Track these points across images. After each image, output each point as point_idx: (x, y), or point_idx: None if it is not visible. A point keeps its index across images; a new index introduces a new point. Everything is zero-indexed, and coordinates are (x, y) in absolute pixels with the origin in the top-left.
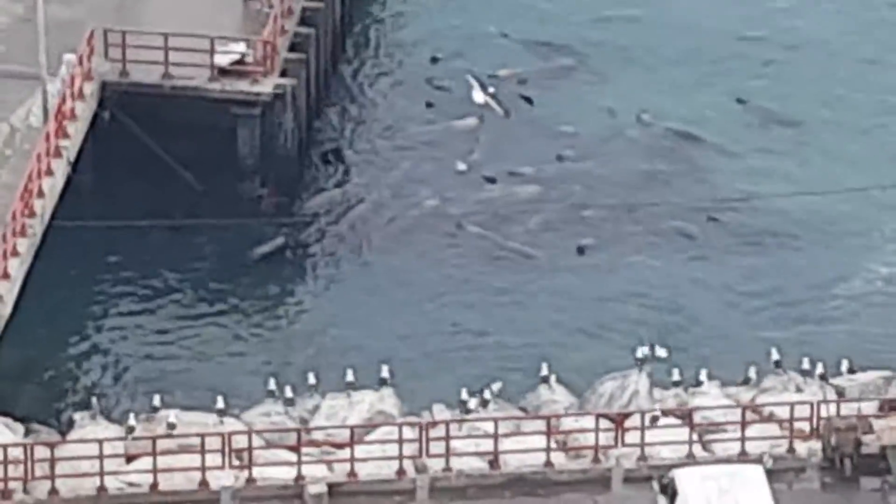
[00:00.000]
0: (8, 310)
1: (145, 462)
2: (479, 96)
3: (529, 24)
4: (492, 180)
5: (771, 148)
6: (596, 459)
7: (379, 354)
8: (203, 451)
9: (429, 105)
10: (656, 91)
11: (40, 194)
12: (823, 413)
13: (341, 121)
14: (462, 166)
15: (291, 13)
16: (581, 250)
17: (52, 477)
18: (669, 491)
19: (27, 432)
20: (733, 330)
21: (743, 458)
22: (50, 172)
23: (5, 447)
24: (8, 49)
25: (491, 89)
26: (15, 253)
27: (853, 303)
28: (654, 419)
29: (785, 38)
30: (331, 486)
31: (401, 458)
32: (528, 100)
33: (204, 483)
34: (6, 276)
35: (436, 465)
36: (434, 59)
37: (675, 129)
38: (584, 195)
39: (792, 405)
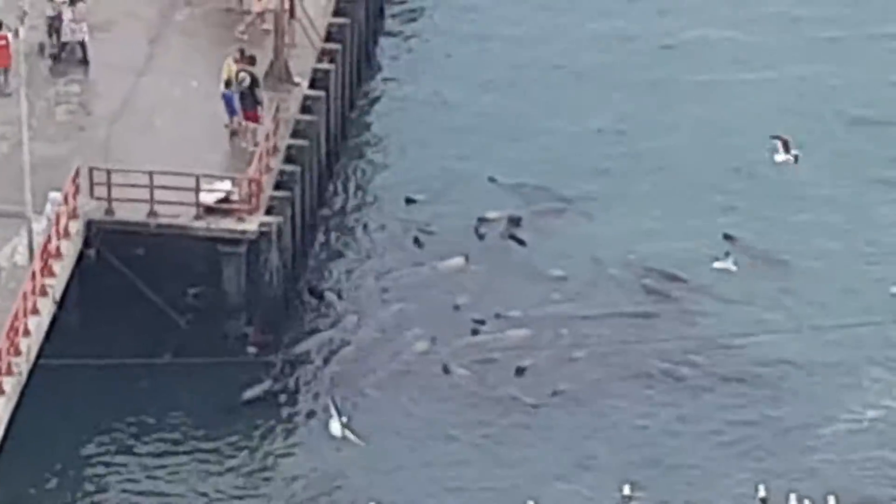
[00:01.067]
0: None
1: None
2: (335, 427)
3: (515, 167)
4: (481, 322)
5: (755, 287)
6: None
7: (363, 496)
8: None
9: (416, 242)
10: (642, 230)
11: (26, 333)
12: None
13: (327, 259)
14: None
15: (277, 151)
16: (520, 371)
17: None
18: None
19: None
20: (719, 467)
21: None
22: (36, 311)
23: None
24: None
25: (344, 419)
26: (1, 392)
27: (839, 440)
28: None
29: (774, 175)
30: None
31: None
32: (521, 241)
33: None
34: None
35: None
36: (409, 201)
37: (659, 269)
38: (570, 338)
39: None
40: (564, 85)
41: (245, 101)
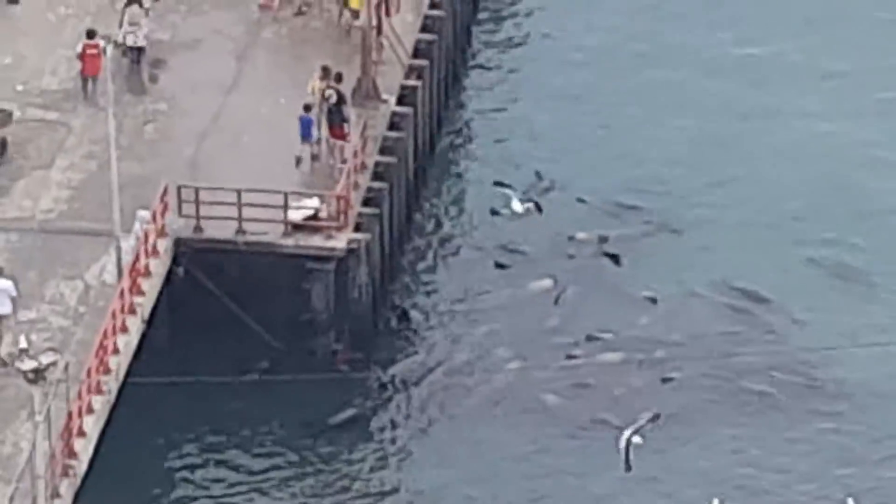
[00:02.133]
0: (84, 467)
1: None
2: (517, 206)
3: (603, 188)
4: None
5: (842, 303)
6: None
7: None
8: None
9: (500, 266)
10: (730, 251)
11: (115, 351)
12: None
13: (416, 277)
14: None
15: (365, 168)
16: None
17: None
18: None
19: None
20: (811, 486)
21: None
22: (125, 329)
23: None
24: (82, 206)
25: (528, 199)
26: (90, 410)
27: None
28: None
29: (867, 198)
30: None
31: None
32: (616, 258)
33: None
34: (82, 433)
35: None
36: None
37: (747, 289)
38: (663, 361)
39: None
40: (658, 106)
41: (332, 117)
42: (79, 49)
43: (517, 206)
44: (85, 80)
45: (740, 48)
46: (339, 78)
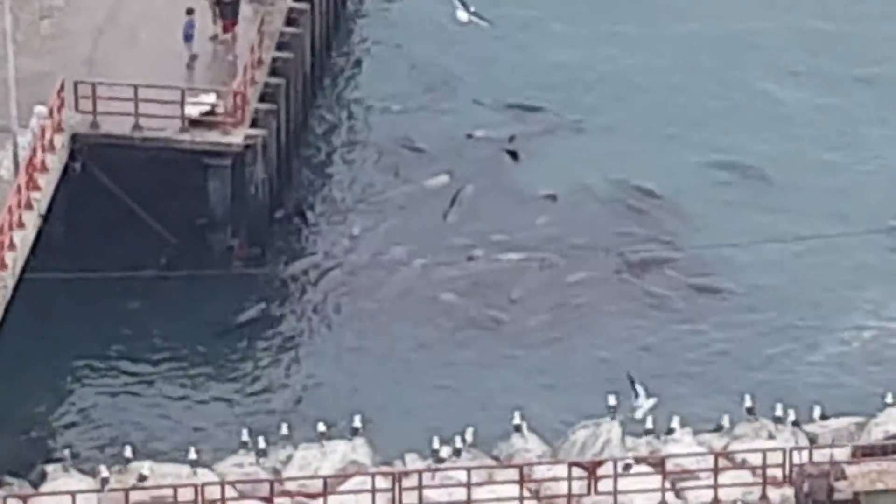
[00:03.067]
0: None
1: None
2: (462, 15)
3: (501, 86)
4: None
5: (741, 202)
6: None
7: (351, 405)
8: (176, 503)
9: (412, 148)
10: (629, 151)
11: (11, 247)
12: (796, 460)
13: (313, 174)
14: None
15: (262, 64)
16: (514, 301)
17: None
18: None
19: (0, 484)
20: (705, 378)
21: None
22: (21, 225)
23: None
24: None
25: (472, 8)
26: None
27: (826, 350)
28: (627, 467)
29: (755, 94)
30: None
31: None
32: (514, 154)
33: None
34: None
35: None
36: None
37: (645, 188)
38: (561, 260)
39: (764, 452)
40: (555, 8)
41: (225, 11)
42: None
43: (462, 15)
44: None
45: None
46: None
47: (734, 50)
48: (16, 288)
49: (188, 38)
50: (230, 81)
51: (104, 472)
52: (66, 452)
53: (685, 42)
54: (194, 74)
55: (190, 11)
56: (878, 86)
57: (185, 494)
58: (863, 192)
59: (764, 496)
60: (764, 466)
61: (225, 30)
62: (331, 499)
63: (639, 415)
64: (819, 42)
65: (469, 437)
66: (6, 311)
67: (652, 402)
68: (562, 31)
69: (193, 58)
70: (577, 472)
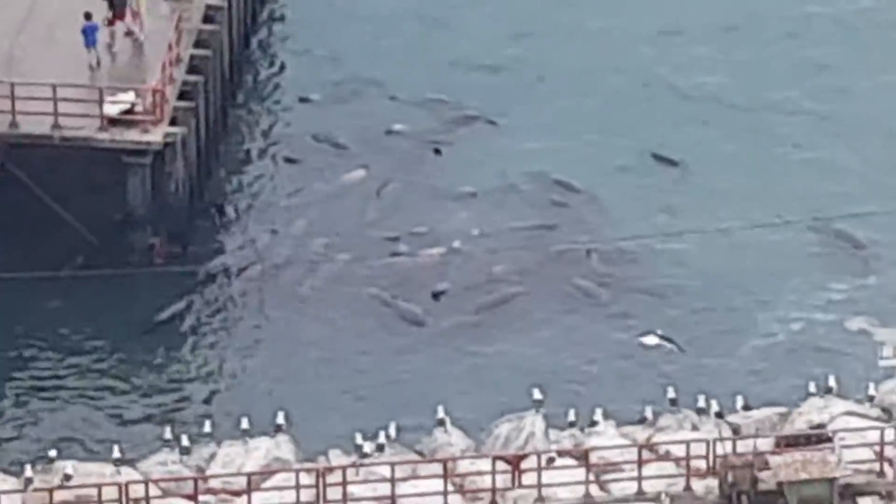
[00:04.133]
0: None
1: None
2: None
3: (419, 82)
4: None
5: (661, 195)
6: (493, 502)
7: (274, 402)
8: (100, 502)
9: (289, 160)
10: (547, 144)
11: None
12: (720, 450)
13: (233, 171)
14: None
15: (180, 61)
16: (436, 296)
17: None
18: None
19: None
20: (628, 370)
21: (640, 497)
22: None
23: None
24: None
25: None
26: None
27: (748, 340)
28: (551, 460)
29: (672, 87)
30: None
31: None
32: (438, 150)
33: None
34: None
35: None
36: (303, 100)
37: (563, 181)
38: (480, 254)
39: (688, 443)
40: (473, 5)
41: (115, 2)
42: None
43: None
44: None
45: None
46: None
47: (651, 44)
48: None
49: (91, 43)
50: (143, 77)
51: (28, 471)
52: None
53: (602, 36)
54: (112, 72)
55: (88, 16)
56: (799, 76)
57: (110, 493)
58: (783, 184)
59: (688, 487)
60: (688, 458)
61: (111, 22)
62: (255, 496)
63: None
64: (737, 34)
65: (392, 432)
66: None
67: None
68: (480, 27)
69: (98, 63)
70: (500, 465)
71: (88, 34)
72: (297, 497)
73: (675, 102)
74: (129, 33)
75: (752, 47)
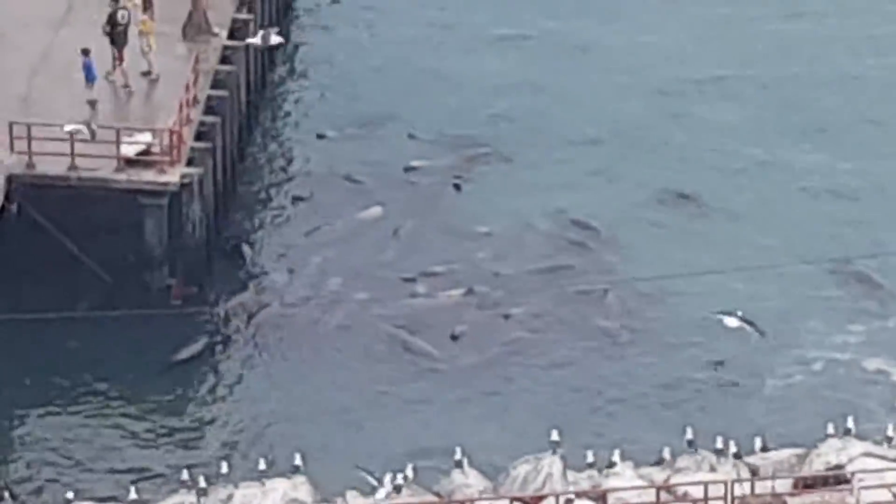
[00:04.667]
0: None
1: None
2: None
3: (437, 119)
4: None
5: (679, 233)
6: None
7: (292, 443)
8: None
9: (297, 199)
10: (565, 181)
11: None
12: (738, 492)
13: (250, 211)
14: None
15: (197, 102)
16: (455, 337)
17: None
18: None
19: None
20: (647, 411)
21: None
22: None
23: None
24: None
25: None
26: None
27: (767, 381)
28: (569, 501)
29: (691, 124)
30: None
31: None
32: (458, 186)
33: None
34: None
35: None
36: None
37: (580, 221)
38: (498, 294)
39: (706, 484)
40: (484, 45)
41: (119, 41)
42: None
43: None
44: None
45: None
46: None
47: (669, 81)
48: None
49: (91, 78)
50: (156, 117)
51: None
52: (7, 495)
53: (617, 75)
54: (126, 112)
55: (86, 52)
56: (817, 117)
57: None
58: (802, 222)
59: None
60: (706, 499)
61: (117, 61)
62: None
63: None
64: (752, 69)
65: (410, 473)
66: None
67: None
68: (497, 66)
69: (94, 102)
70: None
71: (88, 70)
72: None
73: (692, 138)
74: (126, 86)
75: (767, 83)
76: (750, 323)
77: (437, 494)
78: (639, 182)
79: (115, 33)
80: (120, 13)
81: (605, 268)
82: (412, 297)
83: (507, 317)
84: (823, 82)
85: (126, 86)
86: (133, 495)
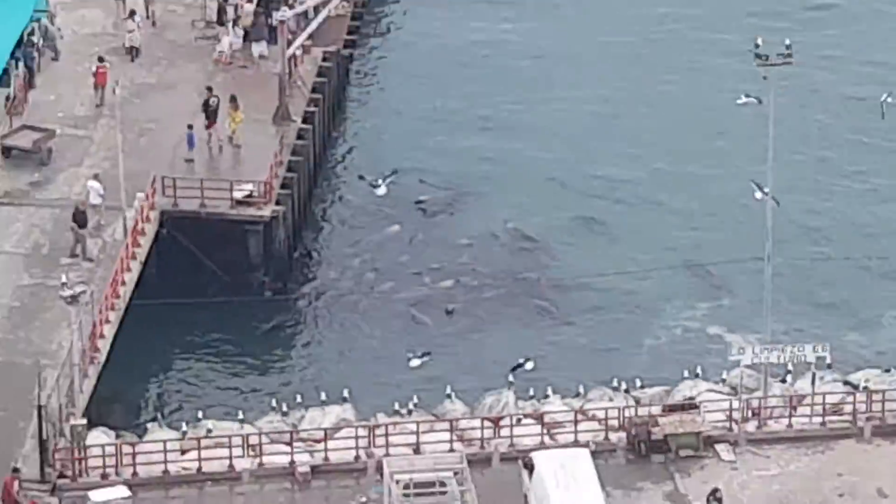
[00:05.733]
0: (103, 358)
1: (193, 454)
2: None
3: (437, 167)
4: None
5: (594, 243)
6: (482, 447)
7: (342, 382)
8: (230, 446)
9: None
10: (517, 205)
11: (123, 283)
12: (627, 414)
13: (315, 232)
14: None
15: (282, 164)
16: (449, 312)
17: (133, 464)
18: (529, 467)
19: (117, 436)
20: (570, 361)
21: (576, 444)
22: (129, 269)
23: (103, 446)
24: (107, 190)
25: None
26: (107, 321)
27: (646, 343)
28: (518, 420)
29: (614, 157)
30: (313, 467)
31: (356, 448)
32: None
33: (231, 467)
34: (102, 336)
35: (379, 453)
36: (374, 185)
37: (527, 233)
38: (476, 285)
39: (606, 409)
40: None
41: (210, 114)
42: (93, 69)
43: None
44: (96, 88)
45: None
46: (232, 99)
47: (597, 112)
48: (126, 309)
49: (192, 145)
50: (244, 172)
51: (184, 427)
52: (159, 415)
53: (555, 127)
54: (240, 170)
55: (190, 127)
56: (722, 132)
57: (236, 441)
58: (668, 237)
59: (606, 438)
60: (606, 419)
61: (207, 128)
62: (329, 443)
63: None
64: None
65: (417, 401)
66: (120, 324)
67: None
68: (480, 139)
69: (191, 160)
70: (487, 424)
71: (189, 140)
72: (356, 445)
73: (613, 172)
74: (220, 148)
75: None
76: (636, 304)
77: (435, 415)
78: (566, 206)
79: (209, 112)
80: (212, 100)
81: (541, 265)
82: (419, 286)
83: (481, 299)
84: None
85: (220, 149)
86: (241, 416)
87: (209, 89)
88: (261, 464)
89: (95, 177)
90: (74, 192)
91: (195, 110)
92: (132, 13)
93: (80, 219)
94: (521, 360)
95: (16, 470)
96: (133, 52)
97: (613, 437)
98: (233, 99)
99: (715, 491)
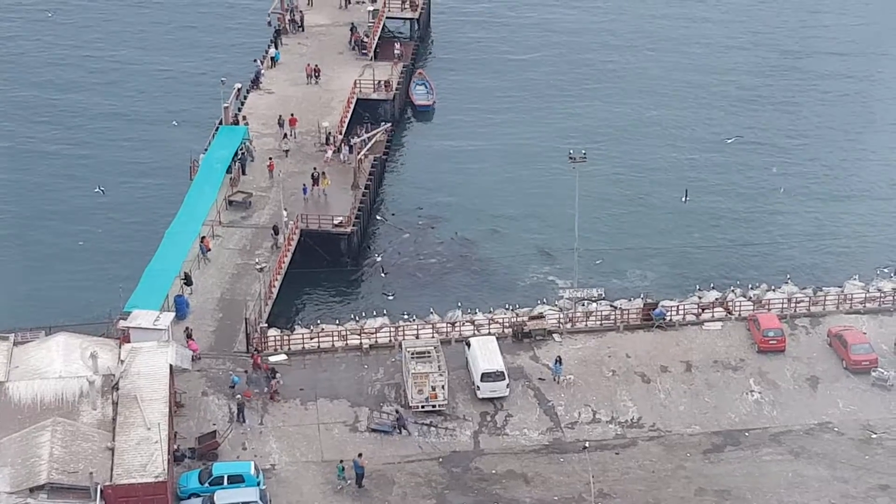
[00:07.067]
0: (274, 297)
1: (315, 339)
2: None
3: (446, 210)
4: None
5: (495, 213)
6: (446, 336)
7: (383, 306)
8: (333, 335)
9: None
10: (470, 224)
11: (283, 262)
12: (512, 320)
13: (370, 240)
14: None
15: (355, 208)
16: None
17: (288, 344)
18: (468, 345)
19: (280, 331)
20: (485, 297)
21: (489, 334)
22: (286, 256)
23: (274, 336)
24: (268, 222)
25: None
26: (276, 280)
27: (519, 287)
28: (463, 324)
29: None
30: (370, 345)
31: (390, 336)
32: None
33: (333, 345)
34: (273, 286)
35: (400, 339)
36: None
37: (471, 240)
38: (443, 261)
39: (503, 318)
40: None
41: (315, 180)
42: (267, 163)
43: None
44: (269, 172)
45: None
46: (323, 174)
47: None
48: (284, 275)
49: (304, 193)
50: (346, 214)
51: (310, 326)
52: (298, 319)
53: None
54: (330, 209)
55: (304, 185)
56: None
57: (336, 333)
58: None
59: (503, 332)
60: (503, 323)
61: (312, 186)
62: (378, 334)
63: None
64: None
65: (433, 312)
66: (282, 282)
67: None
68: (478, 189)
69: (307, 200)
70: (448, 325)
71: (304, 190)
72: (390, 334)
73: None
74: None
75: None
76: (521, 266)
77: (424, 321)
78: (481, 221)
79: (314, 179)
80: (315, 174)
81: (472, 250)
82: (418, 260)
83: (445, 268)
84: None
85: (319, 198)
86: (337, 321)
87: (315, 169)
88: (346, 344)
89: (286, 210)
90: (262, 221)
91: (308, 180)
92: (285, 136)
93: (276, 230)
94: (459, 306)
95: (258, 350)
96: (286, 153)
97: (506, 331)
98: (323, 174)
99: (559, 358)
